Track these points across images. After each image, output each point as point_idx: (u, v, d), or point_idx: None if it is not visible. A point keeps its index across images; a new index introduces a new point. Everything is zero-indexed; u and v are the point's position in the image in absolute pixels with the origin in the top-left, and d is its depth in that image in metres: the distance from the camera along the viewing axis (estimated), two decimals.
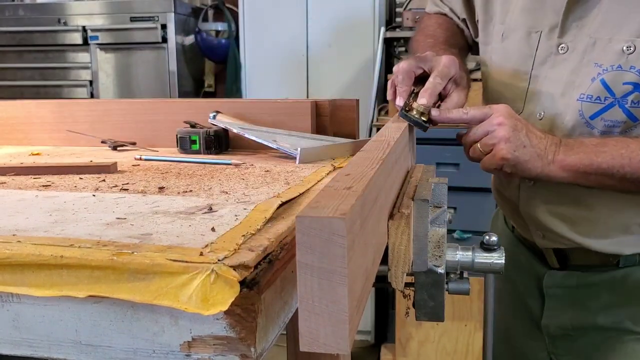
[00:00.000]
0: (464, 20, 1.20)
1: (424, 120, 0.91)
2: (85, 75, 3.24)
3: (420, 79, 0.95)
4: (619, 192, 0.94)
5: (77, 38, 3.18)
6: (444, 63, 0.93)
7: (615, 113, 0.92)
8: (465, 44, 1.21)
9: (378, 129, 2.17)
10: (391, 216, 0.61)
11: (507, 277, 1.22)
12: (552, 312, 1.12)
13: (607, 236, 1.01)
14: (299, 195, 0.68)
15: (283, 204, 0.63)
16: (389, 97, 0.98)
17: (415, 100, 0.91)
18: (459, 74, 0.96)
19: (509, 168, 0.89)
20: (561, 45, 0.97)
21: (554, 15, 0.97)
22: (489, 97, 1.12)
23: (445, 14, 1.23)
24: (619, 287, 1.04)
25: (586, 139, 0.92)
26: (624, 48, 0.89)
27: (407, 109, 0.92)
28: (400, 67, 0.95)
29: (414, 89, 0.94)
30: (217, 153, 1.10)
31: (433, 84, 0.91)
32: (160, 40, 3.10)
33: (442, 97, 0.96)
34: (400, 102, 0.93)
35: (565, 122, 0.96)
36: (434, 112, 0.91)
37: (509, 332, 1.27)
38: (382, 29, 2.84)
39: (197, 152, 1.09)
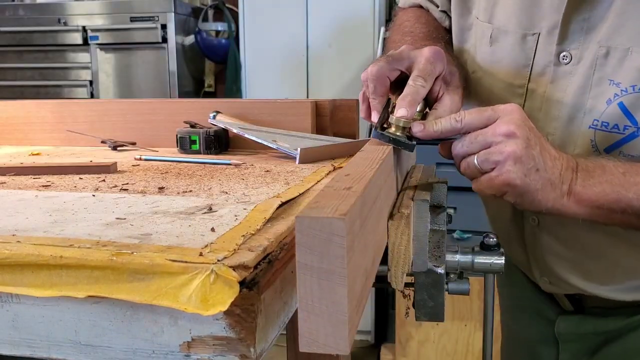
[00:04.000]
0: (443, 12, 0.99)
1: (407, 137, 0.68)
2: (85, 75, 3.23)
3: (399, 83, 0.72)
4: None
5: (77, 38, 3.18)
6: (426, 57, 0.70)
7: (639, 146, 0.72)
8: (450, 38, 0.97)
9: None
10: (391, 216, 0.61)
11: (514, 319, 1.12)
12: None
13: (624, 283, 0.86)
14: (298, 195, 0.68)
15: (283, 204, 0.63)
16: (362, 115, 0.76)
17: (393, 113, 0.69)
18: (448, 69, 0.74)
19: (513, 197, 0.68)
20: (563, 54, 0.77)
21: (553, 12, 0.77)
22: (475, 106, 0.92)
23: (421, 6, 1.03)
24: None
25: (610, 163, 0.70)
26: None
27: (383, 125, 0.70)
28: (369, 72, 0.71)
29: (389, 99, 0.73)
30: (217, 153, 1.10)
31: (414, 88, 0.69)
32: (160, 40, 3.10)
33: (430, 102, 0.74)
34: (374, 117, 0.72)
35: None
36: (416, 128, 0.68)
37: None
38: (382, 29, 2.84)
39: (197, 152, 1.09)
